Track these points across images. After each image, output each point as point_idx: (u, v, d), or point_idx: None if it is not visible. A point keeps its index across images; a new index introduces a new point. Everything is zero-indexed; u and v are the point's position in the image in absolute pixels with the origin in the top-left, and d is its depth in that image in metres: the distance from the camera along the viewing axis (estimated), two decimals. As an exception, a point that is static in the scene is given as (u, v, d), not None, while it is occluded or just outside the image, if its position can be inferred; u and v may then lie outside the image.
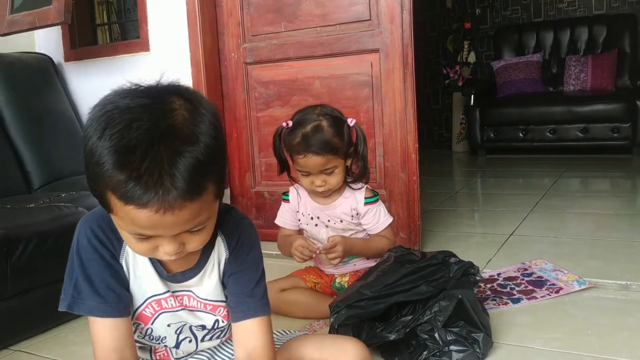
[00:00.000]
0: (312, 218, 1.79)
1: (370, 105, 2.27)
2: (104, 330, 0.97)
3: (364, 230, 1.79)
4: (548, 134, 4.65)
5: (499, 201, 3.22)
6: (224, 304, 1.07)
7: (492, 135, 4.86)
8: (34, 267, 1.73)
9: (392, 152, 2.23)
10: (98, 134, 0.80)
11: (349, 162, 1.70)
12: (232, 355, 1.18)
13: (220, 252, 1.06)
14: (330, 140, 1.61)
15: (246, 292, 1.04)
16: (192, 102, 0.85)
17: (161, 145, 0.78)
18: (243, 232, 1.07)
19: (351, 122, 1.66)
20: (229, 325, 1.11)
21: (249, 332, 1.03)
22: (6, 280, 1.68)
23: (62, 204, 2.02)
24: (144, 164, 0.77)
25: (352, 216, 1.74)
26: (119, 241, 0.99)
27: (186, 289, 1.05)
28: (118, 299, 0.99)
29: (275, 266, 1.97)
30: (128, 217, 0.81)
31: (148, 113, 0.80)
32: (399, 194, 2.25)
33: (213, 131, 0.84)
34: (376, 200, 1.75)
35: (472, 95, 4.85)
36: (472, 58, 5.37)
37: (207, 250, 1.04)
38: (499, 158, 4.88)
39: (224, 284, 1.08)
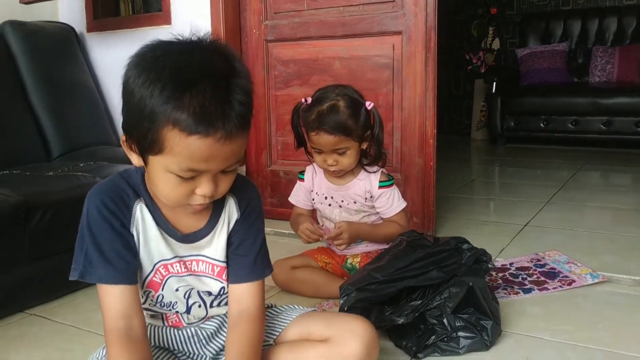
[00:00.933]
0: (325, 198, 1.79)
1: (390, 88, 2.25)
2: (114, 297, 0.99)
3: (377, 213, 1.79)
4: (570, 125, 4.58)
5: (515, 191, 3.19)
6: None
7: (512, 124, 4.80)
8: (51, 234, 1.76)
9: (409, 137, 2.22)
10: (155, 72, 0.85)
11: (364, 146, 1.69)
12: None
13: (231, 212, 1.09)
14: (345, 121, 1.61)
15: (250, 256, 1.09)
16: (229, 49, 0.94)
17: (219, 77, 0.87)
18: (252, 196, 1.12)
19: (369, 105, 1.66)
20: None
21: (246, 293, 1.08)
22: (24, 246, 1.71)
23: (80, 173, 2.05)
24: (208, 94, 0.84)
25: (366, 198, 1.74)
26: (129, 209, 1.02)
27: (195, 253, 1.08)
28: (127, 267, 1.01)
29: (288, 245, 1.98)
30: (187, 151, 0.86)
31: (199, 50, 0.89)
32: (414, 179, 2.24)
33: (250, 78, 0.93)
34: (391, 185, 1.75)
35: (495, 83, 4.78)
36: (496, 44, 5.29)
37: (217, 210, 1.08)
38: (518, 148, 4.83)
39: (228, 244, 1.10)
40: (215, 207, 1.08)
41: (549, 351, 1.40)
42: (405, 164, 2.25)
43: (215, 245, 1.08)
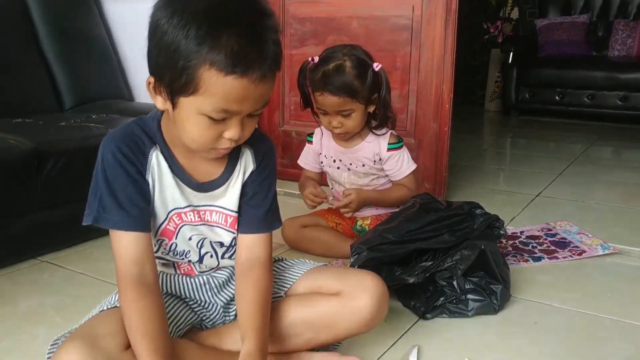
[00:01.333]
0: (334, 161, 1.78)
1: (408, 50, 2.21)
2: (127, 244, 0.99)
3: (387, 176, 1.77)
4: (586, 99, 4.51)
5: (527, 162, 3.16)
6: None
7: (527, 95, 4.73)
8: (63, 183, 1.77)
9: (425, 101, 2.19)
10: (189, 12, 0.84)
11: (371, 109, 1.66)
12: None
13: (247, 163, 1.09)
14: (350, 83, 1.57)
15: (262, 208, 1.10)
16: None
17: (254, 17, 0.87)
18: (268, 150, 1.12)
19: (377, 66, 1.61)
20: None
21: (256, 243, 1.09)
22: (36, 193, 1.72)
23: (93, 124, 2.04)
24: (244, 33, 0.85)
25: (375, 161, 1.73)
26: (145, 156, 1.01)
27: (210, 203, 1.07)
28: (141, 214, 1.00)
29: (298, 205, 1.97)
30: (222, 91, 0.86)
31: None
32: (428, 143, 2.22)
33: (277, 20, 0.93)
34: (400, 147, 1.73)
35: (511, 53, 4.70)
36: (515, 14, 5.17)
37: (232, 160, 1.08)
38: (531, 120, 4.77)
39: (241, 194, 1.10)
40: (231, 158, 1.07)
41: (558, 318, 1.40)
42: (419, 129, 2.23)
43: (230, 196, 1.08)
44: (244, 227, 1.10)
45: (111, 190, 0.99)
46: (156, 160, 1.02)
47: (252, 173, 1.09)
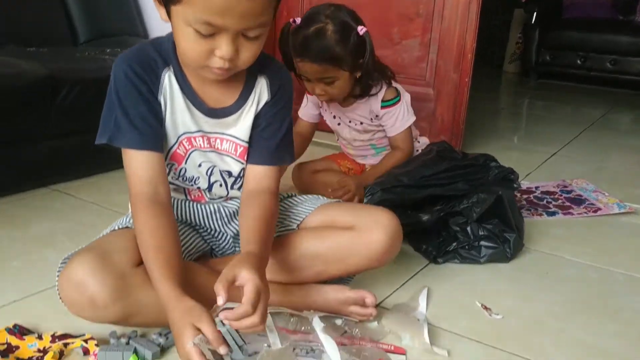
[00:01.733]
0: (334, 117, 1.73)
1: (433, -4, 2.13)
2: (140, 163, 0.98)
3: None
4: (608, 64, 4.39)
5: (543, 123, 3.11)
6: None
7: (547, 58, 4.62)
8: (77, 112, 1.75)
9: (447, 50, 2.13)
10: None
11: (358, 74, 1.54)
12: None
13: (261, 93, 1.07)
14: (331, 48, 1.45)
15: (273, 140, 1.08)
16: None
17: None
18: (285, 81, 1.10)
19: (361, 30, 1.48)
20: None
21: (264, 174, 1.08)
22: (49, 120, 1.70)
23: (107, 57, 2.01)
24: None
25: (371, 119, 1.67)
26: (157, 76, 0.99)
27: (221, 130, 1.06)
28: (154, 133, 0.99)
29: (308, 152, 1.93)
30: (202, 0, 0.83)
31: None
32: (446, 94, 2.17)
33: None
34: (394, 103, 1.63)
35: (535, 13, 4.57)
36: (541, -27, 5.01)
37: (247, 88, 1.05)
38: (550, 84, 4.67)
39: (254, 125, 1.08)
40: (246, 86, 1.05)
41: (570, 270, 1.39)
42: (439, 79, 2.18)
43: (241, 125, 1.06)
44: (253, 157, 1.08)
45: (124, 109, 0.97)
46: (168, 81, 1.00)
47: (266, 104, 1.07)
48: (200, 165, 1.08)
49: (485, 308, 1.18)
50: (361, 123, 1.69)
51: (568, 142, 2.66)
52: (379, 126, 1.70)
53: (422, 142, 1.80)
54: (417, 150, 1.73)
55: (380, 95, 1.63)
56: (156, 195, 0.98)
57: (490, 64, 5.53)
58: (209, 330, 0.85)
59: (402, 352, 1.01)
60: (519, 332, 1.11)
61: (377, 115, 1.65)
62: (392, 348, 1.02)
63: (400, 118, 1.64)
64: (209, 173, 1.09)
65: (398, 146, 1.68)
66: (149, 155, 0.99)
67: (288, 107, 1.10)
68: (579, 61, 4.51)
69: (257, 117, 1.07)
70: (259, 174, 1.08)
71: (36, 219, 1.53)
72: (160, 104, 1.00)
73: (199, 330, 0.85)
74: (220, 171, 1.10)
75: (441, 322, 1.12)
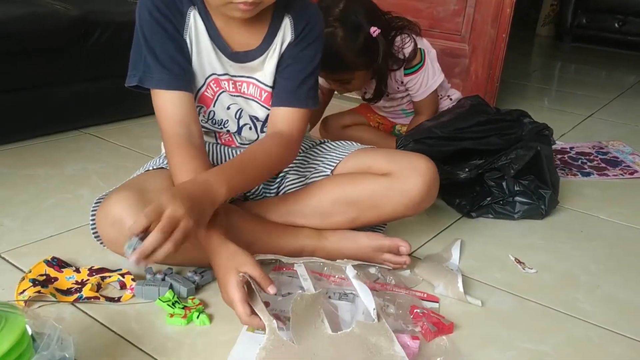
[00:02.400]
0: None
1: (472, -53, 2.06)
2: (170, 103, 0.97)
3: None
4: (647, 29, 4.24)
5: (577, 86, 3.02)
6: None
7: (584, 21, 4.47)
8: (109, 55, 1.74)
9: (484, 3, 2.06)
10: None
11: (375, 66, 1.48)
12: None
13: (285, 34, 1.03)
14: (341, 55, 1.38)
15: (294, 81, 1.03)
16: None
17: None
18: (312, 19, 1.04)
19: (374, 32, 1.40)
20: None
21: (284, 118, 1.03)
22: (81, 63, 1.70)
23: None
24: None
25: (398, 86, 1.62)
26: (182, 15, 0.97)
27: (247, 74, 1.03)
28: (183, 72, 0.98)
29: (335, 106, 1.90)
30: None
31: None
32: (482, 50, 2.11)
33: None
34: (418, 69, 1.56)
35: (573, -27, 4.41)
36: None
37: (272, 31, 1.02)
38: (585, 48, 4.53)
39: (277, 65, 1.05)
40: (271, 28, 1.01)
41: (604, 229, 1.37)
42: (475, 34, 2.11)
43: (266, 69, 1.04)
44: (275, 99, 1.04)
45: (151, 49, 0.96)
46: (194, 21, 0.98)
47: (289, 44, 1.03)
48: (229, 108, 1.06)
49: (519, 262, 1.17)
50: (387, 95, 1.64)
51: (603, 106, 2.59)
52: (407, 91, 1.67)
53: (455, 97, 1.76)
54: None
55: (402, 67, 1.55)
56: (190, 136, 0.96)
57: (523, 26, 5.38)
58: (256, 273, 0.85)
59: (435, 300, 1.01)
60: (553, 286, 1.10)
61: (402, 82, 1.61)
62: (426, 296, 1.01)
63: (424, 83, 1.58)
64: (237, 116, 1.08)
65: (421, 112, 1.64)
66: (180, 95, 0.97)
67: (315, 46, 1.04)
68: (616, 25, 4.34)
69: (281, 58, 1.04)
70: (280, 117, 1.03)
71: (70, 160, 1.55)
72: (186, 43, 0.98)
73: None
74: (249, 115, 1.08)
75: (474, 274, 1.12)
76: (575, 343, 0.93)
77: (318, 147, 1.19)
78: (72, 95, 1.72)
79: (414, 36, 1.53)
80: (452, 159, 1.39)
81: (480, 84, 2.15)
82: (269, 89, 1.05)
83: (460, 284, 1.02)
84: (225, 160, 1.14)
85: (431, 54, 1.60)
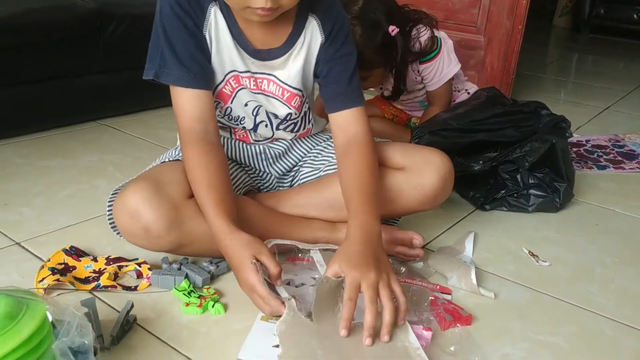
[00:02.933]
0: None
1: (488, -63, 2.04)
2: (188, 100, 0.96)
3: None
4: (666, 20, 4.18)
5: (594, 78, 2.99)
6: (300, 93, 1.05)
7: (602, 11, 4.40)
8: (125, 47, 1.75)
9: (501, -6, 2.04)
10: None
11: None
12: (308, 151, 1.19)
13: (313, 36, 1.02)
14: (359, 53, 1.29)
15: (344, 81, 1.02)
16: None
17: None
18: (339, 16, 1.03)
19: (393, 31, 1.39)
20: (302, 120, 1.11)
21: (348, 120, 1.02)
22: (98, 54, 1.71)
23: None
24: None
25: (415, 76, 1.62)
26: (202, 11, 0.96)
27: (268, 71, 1.03)
28: (202, 70, 0.97)
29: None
30: None
31: None
32: (498, 42, 2.10)
33: None
34: (432, 58, 1.54)
35: (591, -37, 4.34)
36: None
37: (296, 31, 1.00)
38: (603, 39, 4.47)
39: (316, 73, 1.05)
40: (295, 27, 1.00)
41: (620, 223, 1.36)
42: (490, 26, 2.10)
43: (289, 69, 1.02)
44: (329, 106, 1.04)
45: (170, 44, 0.95)
46: (214, 17, 0.97)
47: (322, 46, 1.02)
48: (246, 105, 1.06)
49: (533, 255, 1.17)
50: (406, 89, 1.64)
51: (620, 98, 2.56)
52: (423, 81, 1.66)
53: (472, 91, 1.75)
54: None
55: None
56: (206, 133, 0.96)
57: (540, 17, 5.32)
58: (271, 263, 0.86)
59: (448, 292, 1.01)
60: (566, 279, 1.09)
61: (419, 71, 1.60)
62: (438, 287, 1.02)
63: (439, 72, 1.56)
64: (254, 113, 1.07)
65: (434, 103, 1.62)
66: (198, 93, 0.96)
67: (347, 42, 1.04)
68: (635, 16, 4.28)
69: (317, 64, 1.03)
70: (344, 122, 1.02)
71: (86, 150, 1.57)
72: (205, 39, 0.97)
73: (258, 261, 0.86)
74: (266, 111, 1.07)
75: (487, 266, 1.12)
76: (588, 336, 0.93)
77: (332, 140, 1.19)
78: (88, 87, 1.73)
79: (429, 27, 1.52)
80: (467, 150, 1.39)
81: (495, 76, 2.13)
82: (293, 90, 1.04)
83: (473, 277, 1.02)
84: (239, 155, 1.15)
85: (448, 44, 1.59)
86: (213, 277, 1.01)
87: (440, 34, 1.58)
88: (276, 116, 1.08)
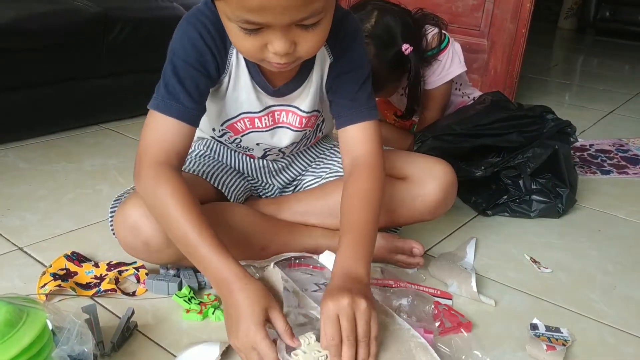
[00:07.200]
0: None
1: (492, -60, 2.03)
2: (169, 132, 0.87)
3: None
4: (672, 22, 4.17)
5: (599, 81, 2.98)
6: (317, 113, 1.03)
7: (607, 14, 4.40)
8: (128, 51, 1.76)
9: (505, -2, 2.04)
10: None
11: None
12: (311, 160, 1.18)
13: (323, 58, 0.97)
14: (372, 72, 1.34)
15: (349, 96, 0.96)
16: None
17: None
18: (348, 32, 0.97)
19: (406, 49, 1.35)
20: (314, 132, 1.10)
21: (354, 138, 0.96)
22: (101, 58, 1.72)
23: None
24: None
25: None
26: (226, 49, 0.91)
27: (286, 103, 1.00)
28: (200, 108, 0.90)
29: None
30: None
31: None
32: (501, 45, 2.09)
33: None
34: (439, 52, 1.48)
35: (597, -35, 4.34)
36: None
37: (308, 62, 0.94)
38: (608, 41, 4.46)
39: (326, 89, 1.01)
40: (307, 60, 0.89)
41: (623, 228, 1.35)
42: (494, 29, 2.09)
43: (305, 96, 0.99)
44: (337, 122, 0.99)
45: (179, 77, 0.87)
46: (236, 58, 0.92)
47: (331, 65, 0.97)
48: (258, 144, 1.05)
49: (534, 261, 1.17)
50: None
51: (625, 102, 2.55)
52: (423, 78, 1.65)
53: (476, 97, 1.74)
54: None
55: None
56: (178, 165, 0.89)
57: (544, 19, 5.30)
58: (281, 323, 0.78)
59: (448, 297, 1.01)
60: (568, 286, 1.09)
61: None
62: (439, 292, 1.02)
63: (441, 68, 1.49)
64: (266, 150, 1.07)
65: (428, 106, 1.53)
66: (186, 129, 0.88)
67: (358, 50, 0.97)
68: (640, 18, 4.28)
69: (327, 79, 0.98)
70: (351, 139, 0.96)
71: (89, 154, 1.57)
72: (219, 79, 0.93)
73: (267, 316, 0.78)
74: (278, 149, 1.07)
75: (488, 273, 1.12)
76: (588, 343, 0.93)
77: (336, 148, 1.18)
78: (91, 91, 1.74)
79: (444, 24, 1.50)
80: (470, 155, 1.39)
81: (499, 80, 2.13)
82: (307, 115, 1.01)
83: (473, 283, 1.02)
84: (242, 167, 1.13)
85: (456, 46, 1.56)
86: (203, 287, 1.00)
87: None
88: (281, 149, 1.07)
